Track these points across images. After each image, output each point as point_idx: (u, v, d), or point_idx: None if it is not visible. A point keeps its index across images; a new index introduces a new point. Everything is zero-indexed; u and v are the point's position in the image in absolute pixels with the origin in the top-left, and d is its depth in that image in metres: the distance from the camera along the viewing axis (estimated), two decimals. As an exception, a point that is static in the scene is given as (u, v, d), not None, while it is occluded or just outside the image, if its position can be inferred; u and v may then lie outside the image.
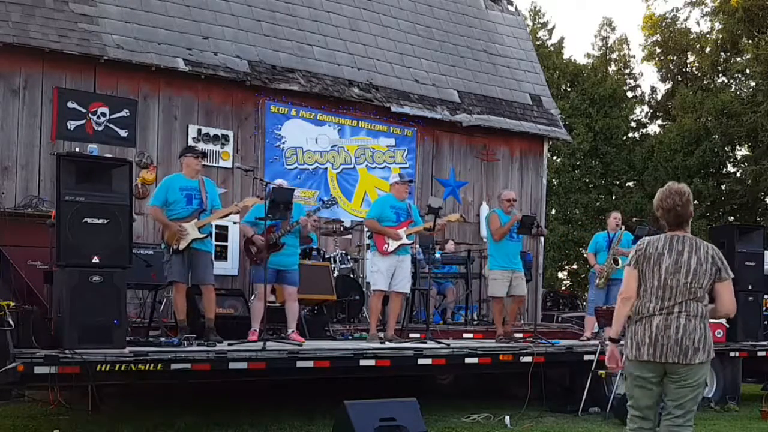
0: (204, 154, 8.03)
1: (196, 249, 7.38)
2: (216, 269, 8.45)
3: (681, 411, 4.23)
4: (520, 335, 9.49)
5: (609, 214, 10.60)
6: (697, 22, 46.36)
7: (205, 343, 7.08)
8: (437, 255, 11.10)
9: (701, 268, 4.20)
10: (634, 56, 32.98)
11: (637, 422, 4.36)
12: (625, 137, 29.36)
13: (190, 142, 11.05)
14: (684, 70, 30.81)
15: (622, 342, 4.43)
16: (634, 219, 17.11)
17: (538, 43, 28.97)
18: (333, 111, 12.42)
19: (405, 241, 8.40)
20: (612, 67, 32.54)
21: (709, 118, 25.72)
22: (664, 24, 30.24)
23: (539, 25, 32.16)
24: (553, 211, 27.47)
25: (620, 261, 9.90)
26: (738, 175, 26.57)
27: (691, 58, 30.60)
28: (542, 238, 14.14)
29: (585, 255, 10.91)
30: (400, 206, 8.54)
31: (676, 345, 4.17)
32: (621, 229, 10.17)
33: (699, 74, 29.92)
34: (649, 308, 4.27)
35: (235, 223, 10.62)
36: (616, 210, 11.66)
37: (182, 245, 7.28)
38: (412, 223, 8.52)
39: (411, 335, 9.14)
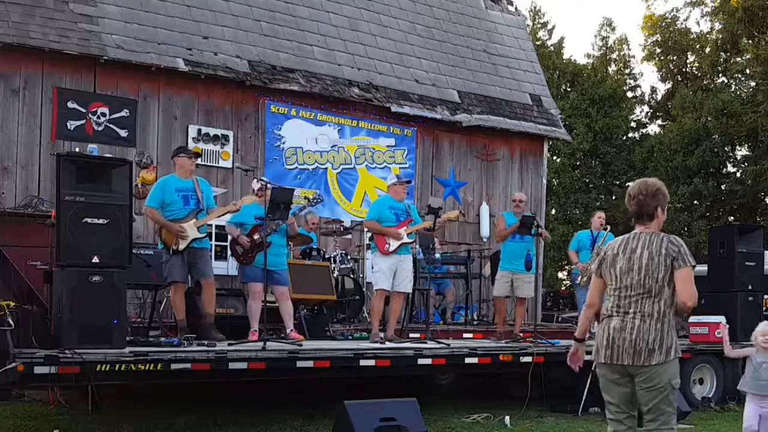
0: (197, 155, 8.02)
1: (195, 247, 7.40)
2: (216, 269, 8.46)
3: (652, 414, 4.13)
4: (520, 335, 9.48)
5: (594, 213, 10.64)
6: (697, 22, 46.36)
7: (206, 342, 7.08)
8: (437, 255, 11.10)
9: (653, 263, 4.08)
10: (634, 56, 33.02)
11: (612, 425, 4.33)
12: (625, 137, 29.36)
13: (190, 142, 11.06)
14: (684, 70, 30.81)
15: (588, 342, 4.46)
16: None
17: (538, 43, 28.97)
18: (333, 111, 12.42)
19: (406, 240, 8.40)
20: (612, 67, 32.54)
21: (709, 118, 25.72)
22: (664, 24, 30.23)
23: (539, 25, 32.17)
24: (553, 211, 27.46)
25: None
26: (738, 175, 26.57)
27: (691, 58, 30.60)
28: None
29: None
30: (398, 207, 8.54)
31: (630, 347, 4.10)
32: (606, 229, 10.18)
33: (699, 74, 29.92)
34: (608, 309, 4.25)
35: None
36: (601, 210, 11.71)
37: (182, 246, 7.29)
38: (412, 223, 8.53)
39: (411, 335, 9.14)
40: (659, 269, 4.08)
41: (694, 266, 4.11)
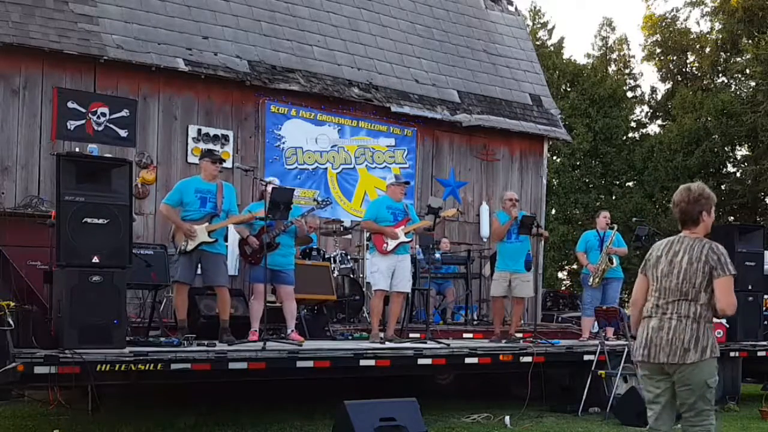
0: (222, 160, 8.08)
1: (207, 251, 7.42)
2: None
3: (691, 412, 4.24)
4: (520, 335, 9.49)
5: (599, 213, 10.60)
6: (697, 22, 46.38)
7: (206, 342, 7.08)
8: (437, 255, 11.10)
9: (692, 268, 4.21)
10: (634, 56, 33.06)
11: (651, 420, 4.42)
12: (625, 137, 29.36)
13: (190, 142, 11.06)
14: (684, 70, 30.82)
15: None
16: (634, 219, 17.07)
17: (538, 43, 28.98)
18: (333, 111, 12.41)
19: (404, 239, 8.41)
20: (612, 67, 32.55)
21: (709, 118, 25.72)
22: (664, 24, 30.25)
23: (539, 25, 32.18)
24: (553, 211, 27.47)
25: (615, 260, 9.90)
26: (738, 175, 26.58)
27: (691, 58, 30.61)
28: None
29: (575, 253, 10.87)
30: (396, 207, 8.56)
31: (667, 345, 4.21)
32: (612, 228, 10.14)
33: (699, 74, 29.93)
34: (648, 309, 4.35)
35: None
36: (606, 209, 11.67)
37: (189, 247, 7.33)
38: (410, 222, 8.53)
39: (411, 335, 9.14)
40: (697, 275, 4.21)
41: (734, 275, 4.22)
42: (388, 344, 8.13)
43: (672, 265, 4.27)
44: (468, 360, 8.19)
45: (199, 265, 7.55)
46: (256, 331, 7.80)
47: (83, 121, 10.40)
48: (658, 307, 4.29)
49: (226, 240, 7.91)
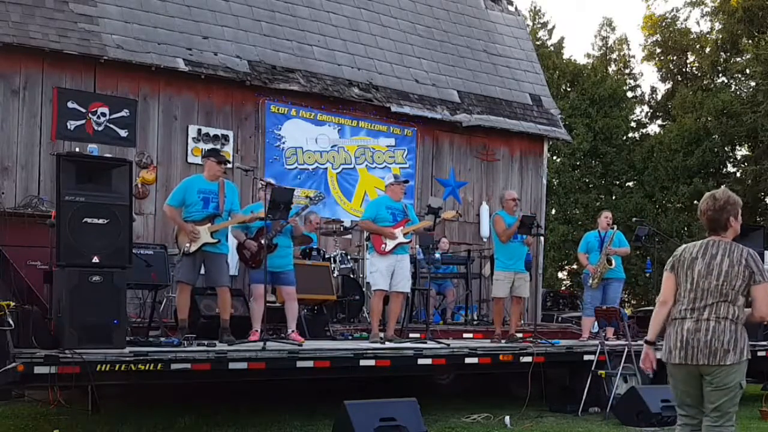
0: (227, 161, 8.05)
1: (209, 252, 7.41)
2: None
3: (718, 413, 4.24)
4: (520, 335, 9.49)
5: (600, 213, 10.58)
6: (697, 22, 46.42)
7: (206, 342, 7.08)
8: (437, 255, 11.10)
9: (733, 270, 4.24)
10: (634, 56, 33.06)
11: (681, 419, 4.44)
12: (625, 137, 29.36)
13: (190, 142, 11.07)
14: (684, 70, 30.82)
15: (659, 344, 4.48)
16: (634, 219, 17.08)
17: (538, 43, 28.98)
18: (333, 111, 12.41)
19: (402, 240, 8.41)
20: (612, 67, 32.55)
21: (709, 118, 25.72)
22: (664, 24, 30.25)
23: (539, 25, 32.19)
24: (553, 211, 27.47)
25: (614, 261, 9.89)
26: (738, 175, 26.57)
27: (691, 58, 30.61)
28: (542, 238, 14.13)
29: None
30: (396, 207, 8.55)
31: (705, 347, 4.21)
32: (613, 228, 10.13)
33: (699, 74, 29.92)
34: (681, 311, 4.34)
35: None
36: (607, 210, 11.63)
37: (192, 248, 7.32)
38: (409, 222, 8.53)
39: (411, 335, 9.14)
40: (738, 278, 4.23)
41: None
42: (388, 344, 8.12)
43: (711, 266, 4.27)
44: (468, 360, 8.19)
45: (202, 266, 7.55)
46: (257, 331, 7.80)
47: (83, 121, 10.40)
48: (694, 309, 4.28)
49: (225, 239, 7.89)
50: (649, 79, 69.20)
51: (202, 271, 7.67)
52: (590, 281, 9.97)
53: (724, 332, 4.21)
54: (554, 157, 27.01)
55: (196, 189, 7.50)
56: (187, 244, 7.33)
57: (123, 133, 10.69)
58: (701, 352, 4.22)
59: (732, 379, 4.23)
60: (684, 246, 4.50)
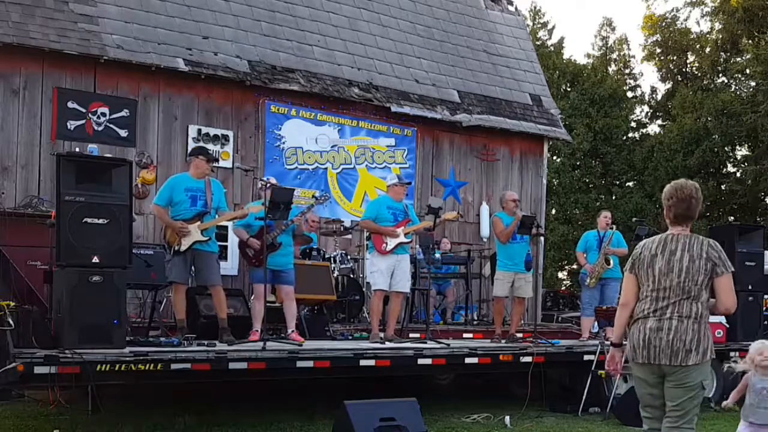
0: (216, 159, 8.03)
1: (200, 250, 7.38)
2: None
3: (678, 412, 4.17)
4: (520, 335, 9.49)
5: (600, 213, 10.59)
6: (697, 22, 46.36)
7: (206, 342, 7.08)
8: (437, 255, 11.10)
9: (693, 266, 4.14)
10: (634, 56, 33.03)
11: (647, 423, 4.37)
12: (625, 137, 29.37)
13: (190, 142, 11.06)
14: (684, 70, 30.81)
15: (624, 344, 4.43)
16: (634, 219, 17.09)
17: (538, 43, 28.98)
18: (333, 111, 12.41)
19: (403, 239, 8.41)
20: (612, 67, 32.55)
21: (709, 118, 25.71)
22: (664, 24, 30.23)
23: (539, 25, 32.19)
24: (553, 211, 27.48)
25: (612, 261, 9.89)
26: (738, 175, 26.57)
27: (691, 58, 30.59)
28: (542, 238, 14.14)
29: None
30: (397, 207, 8.56)
31: (667, 347, 4.13)
32: (612, 228, 10.13)
33: (699, 74, 29.91)
34: (644, 310, 4.26)
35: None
36: (607, 209, 11.63)
37: (183, 246, 7.28)
38: (410, 223, 8.54)
39: (411, 335, 9.14)
40: (700, 273, 4.13)
41: (733, 272, 4.17)
42: (388, 344, 8.13)
43: (671, 263, 4.18)
44: (468, 360, 8.19)
45: (192, 265, 7.52)
46: (257, 331, 7.80)
47: (83, 121, 10.40)
48: (656, 308, 4.20)
49: (225, 239, 7.89)
50: (649, 79, 69.26)
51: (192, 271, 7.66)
52: (588, 280, 9.98)
53: (686, 332, 4.11)
54: (554, 157, 27.02)
55: (183, 187, 7.44)
56: (177, 243, 7.29)
57: (123, 133, 10.69)
58: (663, 352, 4.14)
59: (693, 378, 4.14)
60: (643, 242, 4.41)
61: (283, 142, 11.99)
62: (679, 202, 4.25)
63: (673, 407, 4.19)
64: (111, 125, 10.60)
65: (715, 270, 4.13)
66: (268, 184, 8.04)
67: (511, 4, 15.87)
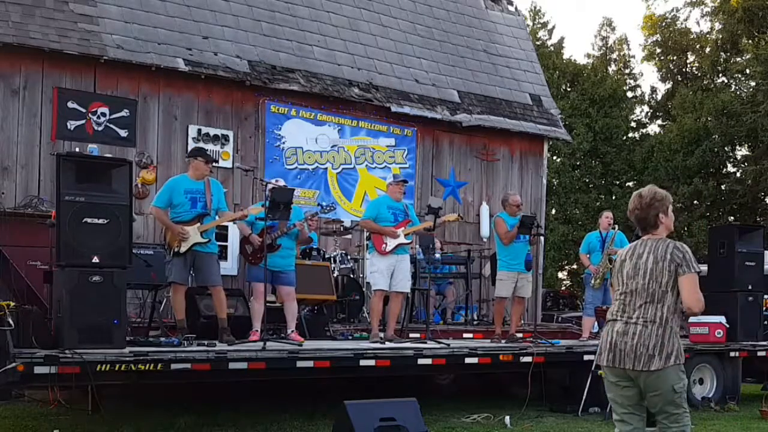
0: (214, 160, 8.02)
1: (200, 251, 7.38)
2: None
3: (662, 416, 4.17)
4: (520, 335, 9.49)
5: (601, 214, 10.58)
6: (697, 22, 46.29)
7: (206, 342, 7.08)
8: (437, 255, 11.09)
9: (657, 267, 4.12)
10: (634, 56, 33.05)
11: (618, 425, 4.33)
12: (625, 137, 29.36)
13: (190, 142, 11.05)
14: (684, 70, 30.81)
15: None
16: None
17: (538, 43, 28.97)
18: (333, 111, 12.41)
19: (403, 240, 8.41)
20: (612, 67, 32.55)
21: (709, 118, 25.71)
22: (664, 24, 30.24)
23: (539, 25, 32.18)
24: (553, 211, 27.47)
25: (615, 261, 9.89)
26: (738, 175, 26.57)
27: (691, 58, 30.61)
28: (542, 238, 14.13)
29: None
30: (397, 207, 8.56)
31: (631, 351, 4.10)
32: (614, 228, 10.13)
33: (699, 74, 29.92)
34: (614, 313, 4.28)
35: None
36: (608, 210, 11.62)
37: (183, 248, 7.29)
38: (410, 223, 8.53)
39: (411, 335, 9.14)
40: (663, 274, 4.11)
41: (698, 272, 4.13)
42: (388, 344, 8.13)
43: (637, 267, 4.18)
44: (468, 360, 8.19)
45: (192, 266, 7.52)
46: (257, 331, 7.80)
47: (83, 121, 10.40)
48: (624, 311, 4.20)
49: (225, 239, 7.89)
50: (649, 79, 69.23)
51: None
52: (592, 281, 9.97)
53: (650, 337, 4.07)
54: (554, 157, 27.01)
55: (183, 189, 7.43)
56: (177, 245, 7.30)
57: (123, 133, 10.69)
58: (627, 356, 4.11)
59: (663, 384, 4.08)
60: (620, 251, 4.49)
61: (283, 142, 11.99)
62: (630, 215, 4.33)
63: (656, 413, 4.19)
64: (111, 125, 10.60)
65: (678, 270, 4.10)
66: (276, 187, 8.03)
67: (511, 4, 15.86)
